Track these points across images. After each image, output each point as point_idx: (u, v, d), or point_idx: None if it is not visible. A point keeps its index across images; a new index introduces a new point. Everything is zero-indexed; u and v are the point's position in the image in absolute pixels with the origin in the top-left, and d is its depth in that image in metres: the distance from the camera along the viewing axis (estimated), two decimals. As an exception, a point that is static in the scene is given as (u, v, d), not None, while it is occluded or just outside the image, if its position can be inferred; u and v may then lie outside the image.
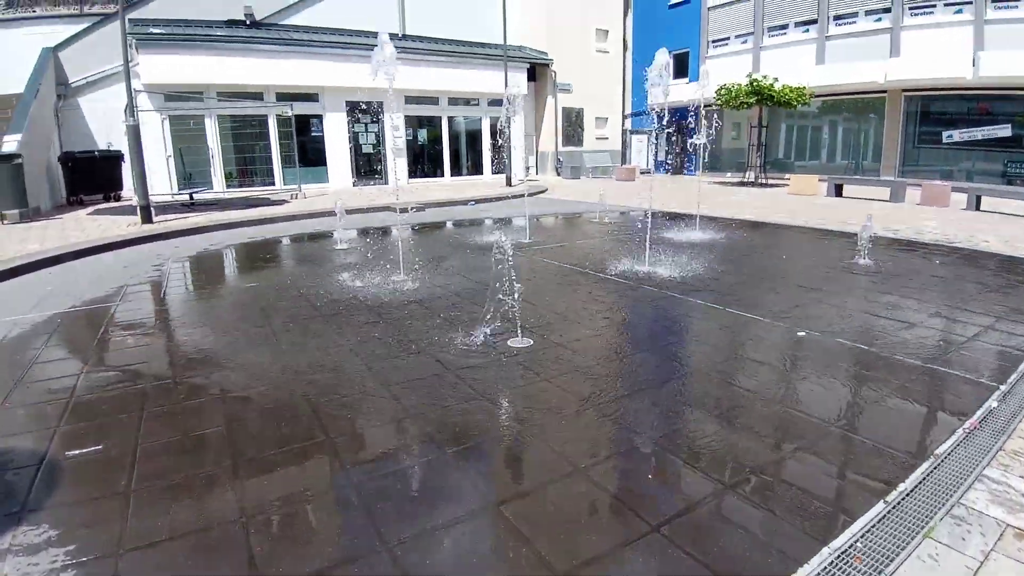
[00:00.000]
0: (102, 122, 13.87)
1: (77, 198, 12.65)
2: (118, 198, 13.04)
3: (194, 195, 12.48)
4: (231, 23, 15.42)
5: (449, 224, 9.30)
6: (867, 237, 5.74)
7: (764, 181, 17.24)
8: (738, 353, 3.34)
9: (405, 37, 17.83)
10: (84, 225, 9.11)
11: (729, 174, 20.77)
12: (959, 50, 15.68)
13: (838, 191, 13.60)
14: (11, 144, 10.02)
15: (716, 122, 19.97)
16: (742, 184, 17.28)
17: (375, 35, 15.84)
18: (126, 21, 11.03)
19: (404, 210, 10.15)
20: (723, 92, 17.09)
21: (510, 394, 2.77)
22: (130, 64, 10.01)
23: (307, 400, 2.73)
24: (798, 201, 12.26)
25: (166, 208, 10.50)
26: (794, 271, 5.51)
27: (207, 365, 3.26)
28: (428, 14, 18.45)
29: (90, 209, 11.47)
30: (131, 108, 9.13)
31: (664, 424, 2.45)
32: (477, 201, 12.08)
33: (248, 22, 15.55)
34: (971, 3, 15.79)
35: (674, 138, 24.42)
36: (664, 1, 24.36)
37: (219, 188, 14.41)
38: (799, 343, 3.46)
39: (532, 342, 3.42)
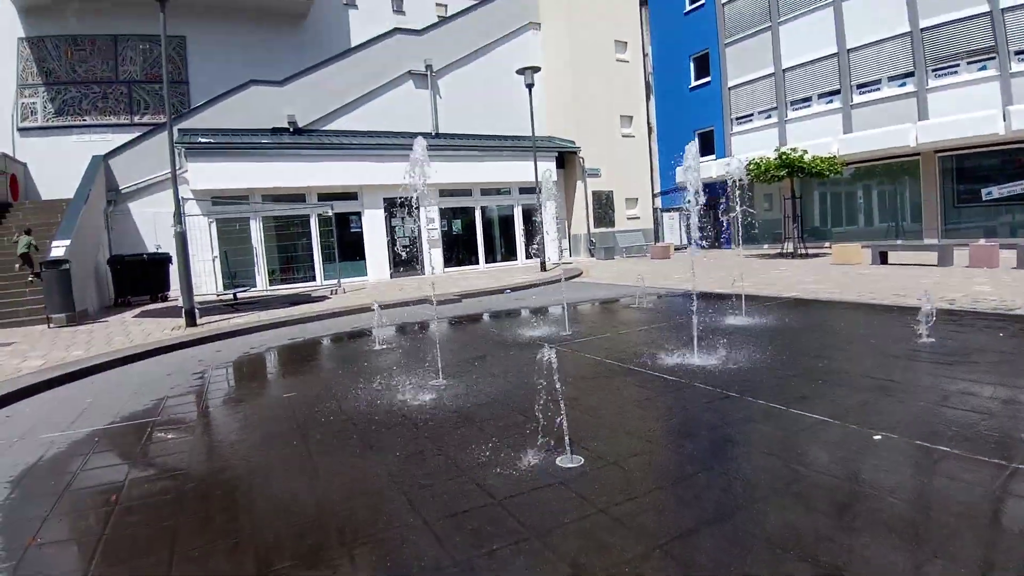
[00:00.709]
0: (151, 225, 14.63)
1: (125, 299, 13.13)
2: (165, 298, 13.50)
3: (238, 294, 12.81)
4: (275, 131, 16.42)
5: (486, 316, 9.22)
6: (927, 313, 5.39)
7: (804, 252, 16.87)
8: (812, 466, 2.99)
9: (438, 135, 18.68)
10: (129, 329, 9.34)
11: (766, 246, 20.47)
12: (988, 106, 15.53)
13: (883, 258, 13.15)
14: (59, 250, 10.48)
15: (748, 195, 19.96)
16: (781, 256, 16.94)
17: (410, 135, 16.58)
18: (175, 131, 11.84)
19: (441, 302, 10.16)
20: (752, 167, 17.12)
21: (563, 531, 2.49)
22: (178, 171, 10.62)
23: (343, 543, 2.51)
24: (843, 272, 11.83)
25: (211, 308, 10.75)
26: (854, 357, 5.12)
27: (235, 501, 3.08)
28: (459, 111, 19.38)
29: (137, 311, 11.83)
30: (179, 215, 9.54)
31: (746, 569, 2.12)
32: (513, 289, 12.04)
33: (291, 129, 16.53)
34: (994, 58, 15.72)
35: (706, 213, 24.41)
36: (685, 83, 25.08)
37: (262, 286, 14.83)
38: (878, 449, 3.10)
39: (582, 460, 3.15)
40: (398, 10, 21.46)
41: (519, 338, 6.79)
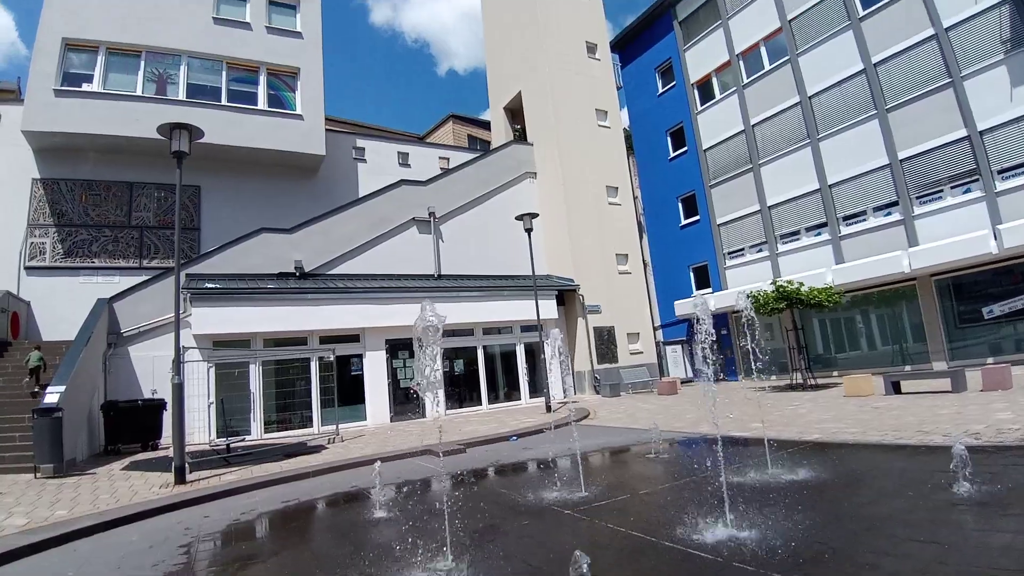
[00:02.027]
0: (148, 369, 14.39)
1: (115, 447, 12.57)
2: (156, 447, 12.92)
3: (231, 445, 12.23)
4: (282, 275, 16.76)
5: (493, 471, 8.69)
6: (960, 457, 5.07)
7: (813, 383, 16.52)
8: None
9: (441, 277, 19.11)
10: (116, 485, 8.84)
11: (774, 377, 20.13)
12: (978, 227, 15.88)
13: (896, 388, 12.78)
14: (53, 396, 10.22)
15: (752, 327, 20.10)
16: (791, 388, 16.55)
17: (414, 278, 16.95)
18: (182, 277, 11.98)
19: (444, 453, 9.66)
20: (751, 299, 17.27)
21: None
22: (183, 316, 10.58)
23: None
24: (859, 406, 11.40)
25: (202, 461, 10.18)
26: (893, 515, 4.67)
27: None
28: (460, 254, 20.01)
29: (126, 461, 11.28)
30: (178, 365, 9.34)
31: None
32: (519, 436, 11.55)
33: (298, 274, 16.89)
34: (977, 180, 16.30)
35: (708, 345, 24.27)
36: (675, 222, 26.22)
37: (257, 434, 14.30)
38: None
39: None
40: (404, 163, 22.97)
41: (532, 501, 6.28)
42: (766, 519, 4.79)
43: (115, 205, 18.30)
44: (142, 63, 18.17)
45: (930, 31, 17.32)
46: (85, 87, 17.23)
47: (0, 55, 66.76)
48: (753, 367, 15.48)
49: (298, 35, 20.76)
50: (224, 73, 19.30)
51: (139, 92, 17.86)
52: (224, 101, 18.99)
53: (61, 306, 16.07)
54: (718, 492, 5.22)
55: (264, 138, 19.13)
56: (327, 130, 20.87)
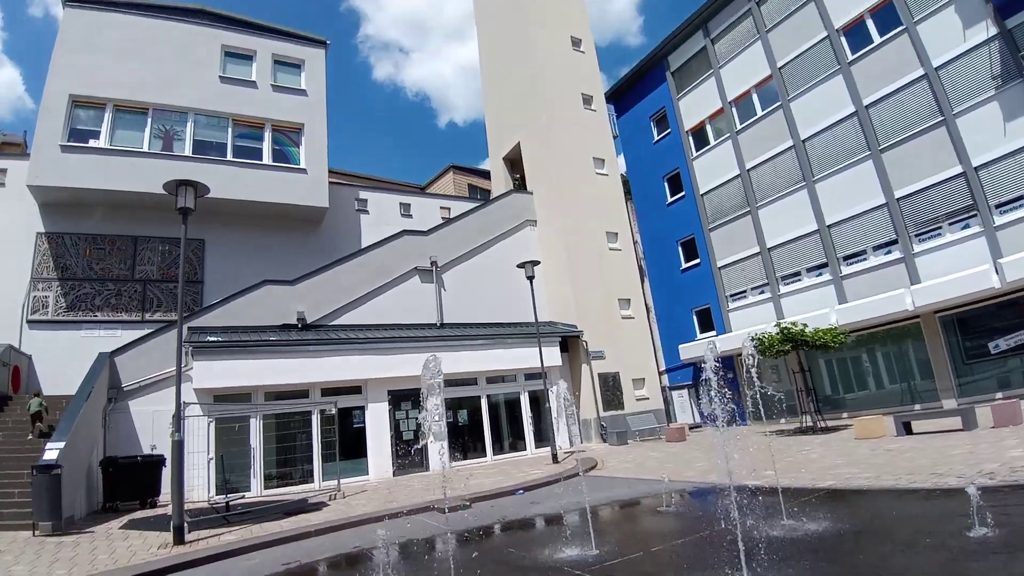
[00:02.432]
0: (148, 424, 14.16)
1: (113, 504, 12.34)
2: (154, 504, 12.65)
3: (231, 503, 11.92)
4: (284, 327, 16.72)
5: (500, 528, 8.42)
6: (975, 498, 4.98)
7: (823, 425, 16.22)
8: None
9: (443, 326, 19.05)
10: (114, 545, 8.65)
11: (783, 420, 19.77)
12: (978, 262, 15.82)
13: (907, 429, 12.60)
14: (52, 453, 10.06)
15: (755, 369, 19.87)
16: (801, 432, 16.23)
17: (416, 327, 16.86)
18: (184, 330, 11.89)
19: (449, 509, 9.39)
20: (755, 342, 17.11)
21: None
22: (184, 370, 10.48)
23: None
24: (871, 449, 11.17)
25: (201, 520, 9.90)
26: (911, 566, 4.50)
27: None
28: (463, 302, 20.01)
29: (124, 519, 11.03)
30: (178, 422, 9.21)
31: None
32: (526, 489, 11.26)
33: (300, 325, 16.84)
34: (975, 215, 16.32)
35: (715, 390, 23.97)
36: (676, 266, 26.31)
37: (257, 490, 13.98)
38: None
39: None
40: (406, 214, 23.26)
41: (541, 561, 6.05)
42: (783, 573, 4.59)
43: (119, 259, 18.42)
44: (149, 120, 18.61)
45: (920, 71, 17.68)
46: (92, 143, 17.59)
47: (7, 108, 68.63)
48: (761, 412, 15.27)
49: (303, 92, 21.37)
50: (230, 129, 19.77)
51: (146, 148, 18.22)
52: (229, 156, 19.39)
53: (62, 360, 15.97)
54: (733, 548, 5.02)
55: (269, 192, 19.43)
56: (330, 183, 21.23)
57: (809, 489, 8.16)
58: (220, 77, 19.97)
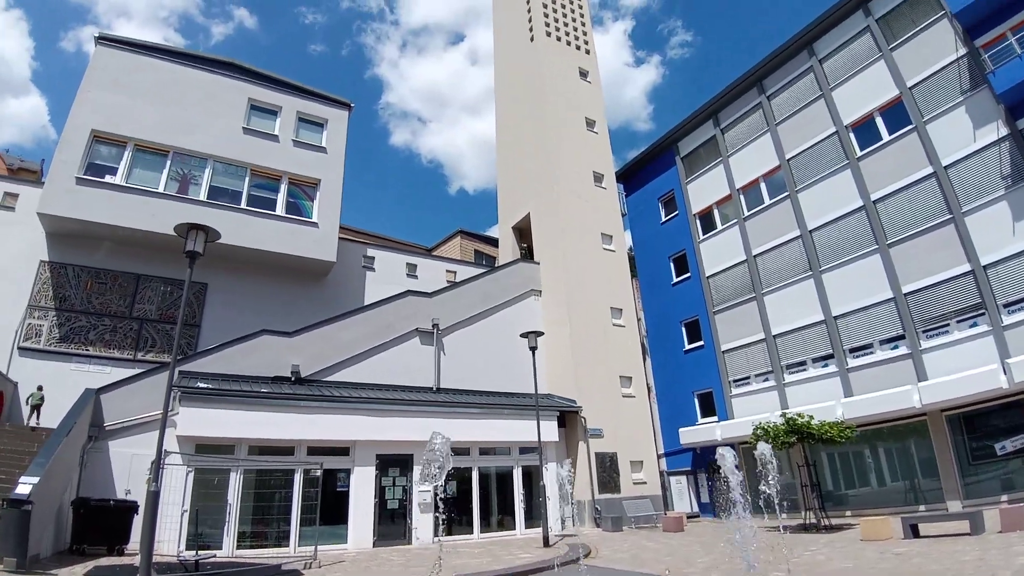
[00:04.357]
0: (125, 467, 13.63)
1: (80, 548, 11.70)
2: (122, 552, 11.97)
3: (200, 561, 11.13)
4: (277, 379, 16.28)
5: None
6: None
7: (827, 523, 15.45)
8: None
9: (439, 390, 18.60)
10: (78, 596, 7.84)
11: (784, 515, 18.88)
12: (986, 361, 15.54)
13: (914, 531, 12.04)
14: (25, 487, 9.51)
15: (762, 461, 19.28)
16: (804, 529, 15.43)
17: (412, 389, 16.38)
18: (175, 374, 11.47)
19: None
20: (759, 431, 16.59)
21: None
22: (170, 415, 10.01)
23: None
24: (878, 551, 10.60)
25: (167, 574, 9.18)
26: None
27: None
28: (461, 367, 19.65)
29: (89, 566, 10.25)
30: (157, 471, 8.70)
31: None
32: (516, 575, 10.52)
33: (293, 379, 16.41)
34: (984, 314, 16.16)
35: (715, 478, 23.15)
36: (679, 347, 26.02)
37: (229, 548, 13.16)
38: None
39: None
40: (411, 274, 23.28)
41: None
42: None
43: (119, 295, 18.23)
44: (168, 162, 18.92)
45: (929, 169, 17.93)
46: (108, 178, 17.77)
47: (29, 136, 70.41)
48: (763, 507, 14.54)
49: (323, 149, 21.89)
50: (247, 178, 20.09)
51: (161, 189, 18.42)
52: (243, 204, 19.59)
53: (48, 391, 15.46)
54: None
55: (278, 242, 19.49)
56: (340, 238, 21.34)
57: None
58: (244, 128, 20.49)
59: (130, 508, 12.33)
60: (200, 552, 11.14)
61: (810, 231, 21.44)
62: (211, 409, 14.19)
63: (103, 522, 12.06)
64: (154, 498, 8.49)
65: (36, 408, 14.91)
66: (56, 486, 11.49)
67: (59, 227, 17.45)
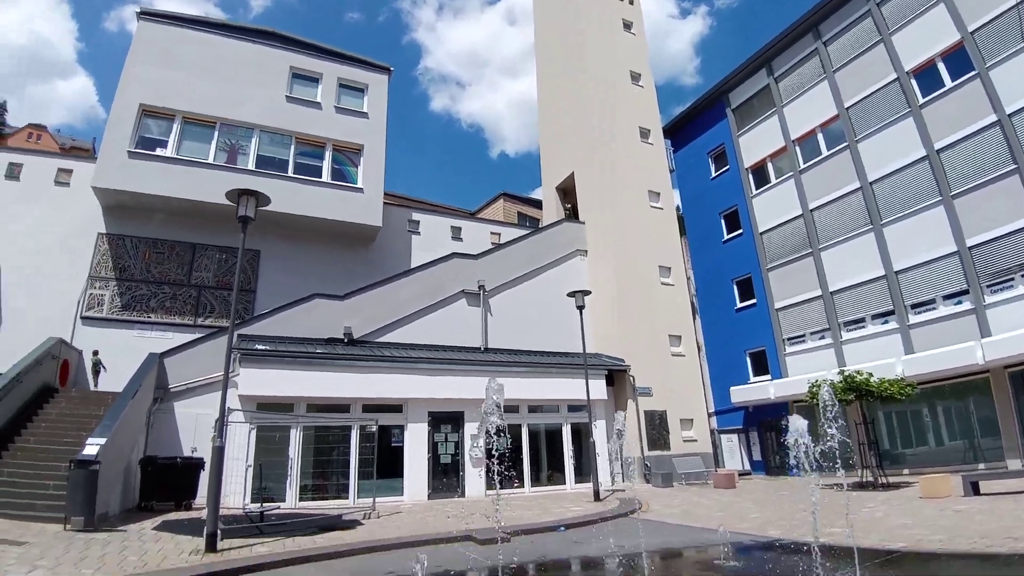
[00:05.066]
0: (191, 426, 14.23)
1: (149, 504, 12.31)
2: (189, 507, 12.61)
3: (265, 513, 11.74)
4: (330, 341, 16.75)
5: (542, 569, 7.92)
6: None
7: (884, 481, 15.06)
8: None
9: (487, 350, 18.76)
10: (146, 547, 8.48)
11: (839, 473, 18.48)
12: None
13: (975, 489, 11.73)
14: (92, 448, 10.05)
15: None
16: (861, 487, 15.08)
17: (460, 350, 16.61)
18: (234, 337, 11.90)
19: (486, 541, 8.92)
20: (815, 389, 16.12)
21: None
22: (231, 376, 10.45)
23: None
24: (938, 510, 10.30)
25: (235, 528, 9.71)
26: None
27: None
28: (508, 328, 19.74)
29: (158, 520, 10.91)
30: (221, 427, 9.10)
31: None
32: (567, 527, 10.68)
33: (346, 340, 16.84)
34: None
35: (766, 437, 22.82)
36: (730, 305, 25.42)
37: (292, 502, 13.81)
38: None
39: None
40: (456, 237, 23.34)
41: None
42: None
43: (176, 264, 18.98)
44: (216, 133, 19.36)
45: (993, 117, 17.03)
46: (159, 151, 18.35)
47: (79, 117, 73.38)
48: (820, 464, 14.28)
49: (364, 115, 21.92)
50: (292, 147, 20.38)
51: (211, 160, 18.92)
52: (290, 173, 19.95)
53: (112, 358, 16.35)
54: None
55: (325, 208, 19.81)
56: (384, 203, 21.51)
57: (878, 550, 7.38)
58: (287, 97, 20.69)
59: (196, 465, 12.93)
60: (264, 504, 11.71)
61: (871, 183, 20.39)
62: (270, 370, 14.75)
63: (170, 479, 12.67)
64: (219, 453, 8.89)
65: (96, 370, 16.19)
66: (123, 446, 12.15)
67: (113, 200, 18.16)
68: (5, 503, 10.17)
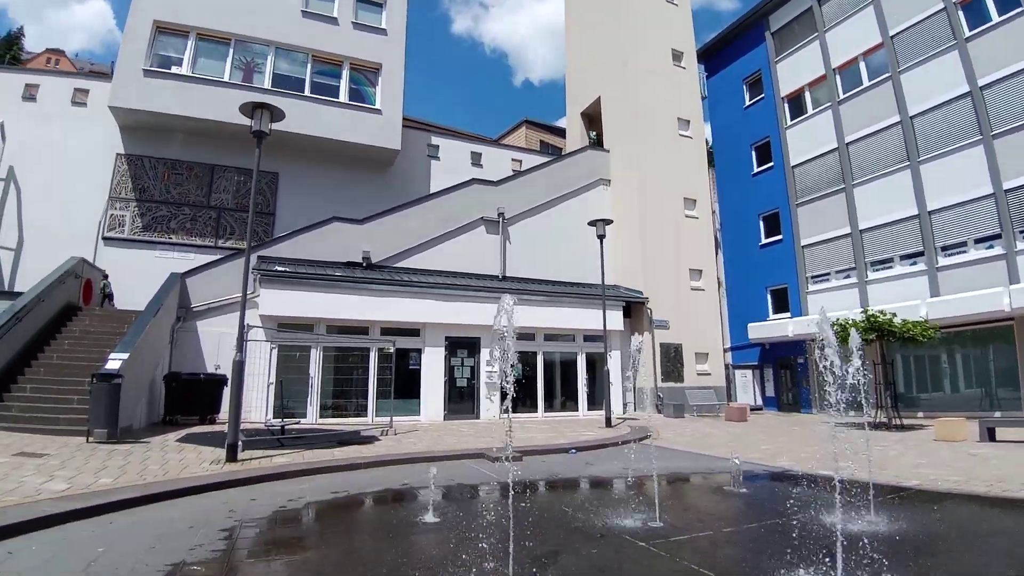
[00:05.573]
0: (214, 345, 14.53)
1: (174, 418, 12.73)
2: (213, 420, 13.03)
3: (286, 427, 12.16)
4: (349, 264, 16.79)
5: (552, 486, 8.12)
6: None
7: (899, 422, 15.07)
8: None
9: (505, 278, 18.70)
10: (168, 456, 8.75)
11: (852, 413, 18.52)
12: None
13: (991, 435, 11.68)
14: (115, 363, 10.26)
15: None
16: (875, 427, 15.10)
17: (478, 276, 16.53)
18: (254, 258, 11.95)
19: (499, 458, 9.14)
20: (836, 328, 15.89)
21: None
22: (251, 296, 10.54)
23: None
24: (953, 452, 10.32)
25: (256, 440, 10.07)
26: None
27: None
28: (526, 257, 19.59)
29: (182, 432, 11.27)
30: (240, 343, 9.23)
31: None
32: (578, 449, 10.90)
33: (365, 264, 16.88)
34: None
35: (781, 373, 22.84)
36: (754, 241, 24.88)
37: (312, 417, 14.27)
38: None
39: None
40: (476, 163, 22.79)
41: (600, 526, 5.62)
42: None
43: (196, 185, 18.88)
44: (231, 51, 18.73)
45: (1037, 56, 16.00)
46: (174, 69, 17.86)
47: (97, 41, 71.87)
48: (832, 401, 14.33)
49: (383, 32, 20.97)
50: (309, 65, 19.70)
51: (226, 78, 18.39)
52: (307, 92, 19.37)
53: (135, 278, 16.56)
54: (819, 540, 4.48)
55: (343, 130, 19.34)
56: (403, 126, 20.94)
57: (893, 487, 7.39)
58: (303, 12, 19.81)
59: (219, 381, 13.28)
60: (285, 420, 12.10)
61: (911, 117, 19.35)
62: (289, 291, 14.90)
63: (194, 394, 13.07)
64: (239, 367, 9.05)
65: (106, 295, 16.21)
66: (146, 362, 12.40)
67: (131, 120, 17.88)
68: (29, 417, 10.39)
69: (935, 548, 4.87)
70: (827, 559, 4.26)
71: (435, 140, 22.82)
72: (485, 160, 23.06)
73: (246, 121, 9.64)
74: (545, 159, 23.91)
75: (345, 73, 20.14)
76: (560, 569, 4.36)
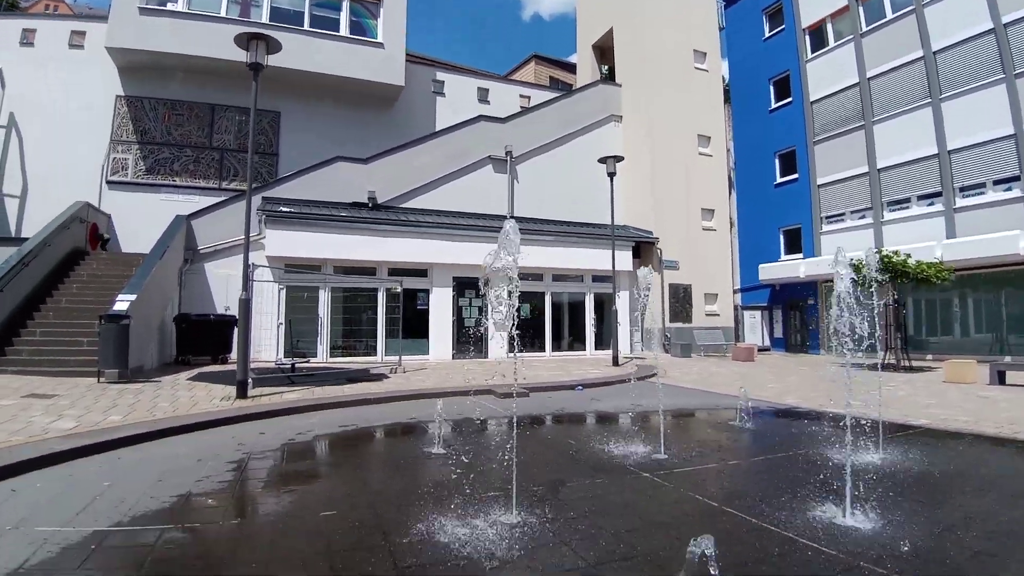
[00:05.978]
0: (223, 286, 14.58)
1: (185, 358, 12.96)
2: (225, 360, 13.24)
3: (296, 365, 12.32)
4: (354, 205, 16.58)
5: (558, 420, 8.19)
6: None
7: (908, 364, 15.05)
8: None
9: (513, 218, 18.38)
10: (178, 394, 8.85)
11: (860, 354, 18.51)
12: None
13: (1001, 378, 11.62)
14: (123, 304, 10.31)
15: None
16: (884, 367, 15.08)
17: (485, 216, 16.27)
18: (259, 199, 11.73)
19: (506, 395, 9.22)
20: (851, 268, 15.60)
21: None
22: (257, 238, 10.44)
23: None
24: (962, 393, 10.31)
25: (267, 378, 10.20)
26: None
27: None
28: (535, 196, 19.24)
29: (194, 372, 11.45)
30: (246, 282, 9.19)
31: None
32: (585, 386, 10.98)
33: (370, 205, 16.65)
34: None
35: (791, 314, 22.75)
36: (769, 180, 24.31)
37: (322, 357, 14.44)
38: None
39: None
40: (483, 100, 22.07)
41: (604, 457, 5.68)
42: (886, 512, 3.99)
43: (197, 126, 18.47)
44: (227, -16, 17.89)
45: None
46: (170, 6, 17.14)
47: None
48: (841, 342, 14.28)
49: (384, -42, 19.89)
50: (307, -5, 18.81)
51: (223, 13, 17.65)
52: (306, 26, 18.58)
53: (140, 221, 16.47)
54: (825, 472, 4.49)
55: (344, 65, 18.67)
56: (407, 61, 20.18)
57: (901, 425, 7.40)
58: (300, -62, 18.73)
59: (229, 322, 13.39)
60: (296, 359, 12.23)
61: (934, 53, 18.44)
62: (295, 232, 14.78)
63: (205, 335, 13.23)
64: (246, 305, 9.03)
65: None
66: (155, 304, 12.48)
67: (129, 60, 17.33)
68: (40, 360, 10.48)
69: (945, 486, 4.85)
70: (833, 492, 4.25)
71: (440, 76, 22.06)
72: (492, 96, 22.32)
73: (239, 47, 9.24)
74: (555, 94, 23.13)
75: (345, 5, 19.27)
76: (564, 496, 4.40)
